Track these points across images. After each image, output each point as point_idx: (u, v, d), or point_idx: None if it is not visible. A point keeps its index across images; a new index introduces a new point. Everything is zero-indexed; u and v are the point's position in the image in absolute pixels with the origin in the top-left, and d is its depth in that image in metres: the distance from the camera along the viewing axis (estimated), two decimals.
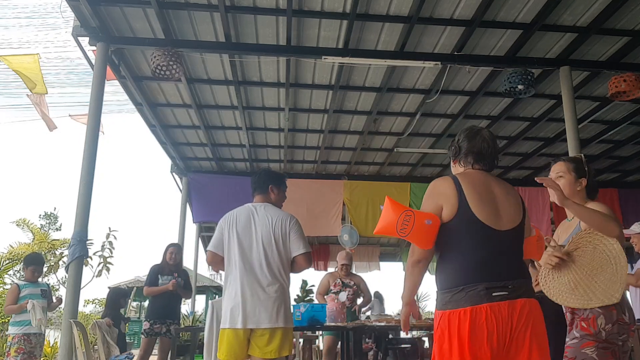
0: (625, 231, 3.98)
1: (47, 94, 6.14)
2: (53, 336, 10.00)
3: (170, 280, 4.90)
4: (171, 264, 5.06)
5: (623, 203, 7.80)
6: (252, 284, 2.70)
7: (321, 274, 8.63)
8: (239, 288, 2.69)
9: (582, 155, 2.51)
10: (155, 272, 5.06)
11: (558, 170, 2.42)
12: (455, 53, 4.65)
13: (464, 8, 4.15)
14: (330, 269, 12.05)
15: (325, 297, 5.11)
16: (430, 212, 1.86)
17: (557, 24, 4.36)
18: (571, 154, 4.56)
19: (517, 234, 1.89)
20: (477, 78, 5.27)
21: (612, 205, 7.70)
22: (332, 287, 5.09)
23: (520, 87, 4.51)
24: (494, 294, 1.72)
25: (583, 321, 2.13)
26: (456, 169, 2.08)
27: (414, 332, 8.35)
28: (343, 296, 4.94)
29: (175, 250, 5.14)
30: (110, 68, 4.58)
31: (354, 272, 5.76)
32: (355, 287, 5.14)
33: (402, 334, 6.74)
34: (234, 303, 2.68)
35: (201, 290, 16.20)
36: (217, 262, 2.88)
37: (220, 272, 12.42)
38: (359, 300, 5.25)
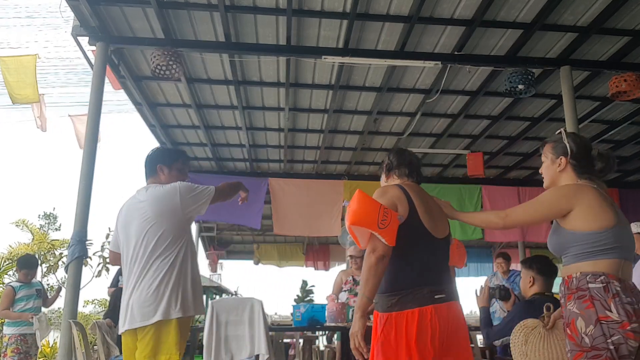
0: None
1: (37, 101, 6.15)
2: (53, 336, 9.99)
3: None
4: None
5: (624, 203, 7.79)
6: (134, 280, 2.39)
7: (321, 274, 8.63)
8: (126, 288, 2.42)
9: (563, 129, 2.12)
10: (118, 273, 5.04)
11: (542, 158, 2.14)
12: (456, 53, 4.64)
13: (464, 8, 4.14)
14: (333, 268, 12.04)
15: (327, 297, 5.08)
16: (394, 211, 1.90)
17: (557, 24, 4.35)
18: None
19: (447, 243, 2.07)
20: (478, 78, 5.26)
21: None
22: (343, 286, 4.98)
23: (520, 87, 4.50)
24: (436, 297, 1.85)
25: (567, 328, 1.82)
26: (391, 181, 2.22)
27: None
28: (343, 296, 4.92)
29: None
30: (109, 68, 4.58)
31: None
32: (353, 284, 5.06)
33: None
34: (123, 304, 2.42)
35: None
36: (116, 259, 2.57)
37: (215, 271, 12.36)
38: (342, 296, 5.15)
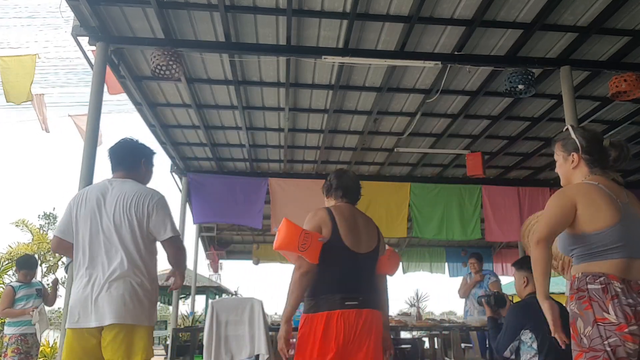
0: None
1: (30, 100, 6.15)
2: (53, 336, 9.99)
3: None
4: None
5: None
6: (100, 276, 2.27)
7: None
8: (89, 281, 2.28)
9: (570, 125, 2.08)
10: None
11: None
12: (456, 53, 4.64)
13: (464, 8, 4.14)
14: None
15: None
16: (317, 232, 2.30)
17: (557, 24, 4.35)
18: None
19: (372, 256, 2.42)
20: (478, 78, 5.26)
21: None
22: None
23: (520, 87, 4.50)
24: (346, 303, 2.22)
25: (571, 327, 1.83)
26: (329, 202, 2.62)
27: (414, 332, 8.34)
28: None
29: None
30: (109, 68, 4.58)
31: None
32: None
33: (402, 334, 6.73)
34: (82, 297, 2.26)
35: (201, 290, 16.18)
36: (64, 248, 2.41)
37: (215, 271, 12.34)
38: None
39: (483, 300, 3.58)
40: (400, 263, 13.44)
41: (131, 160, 2.53)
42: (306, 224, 2.38)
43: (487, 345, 5.41)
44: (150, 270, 2.40)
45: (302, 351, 2.20)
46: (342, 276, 2.30)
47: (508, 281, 12.53)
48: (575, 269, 1.88)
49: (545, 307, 1.81)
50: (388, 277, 2.66)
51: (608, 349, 1.66)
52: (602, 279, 1.74)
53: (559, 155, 2.07)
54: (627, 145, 2.01)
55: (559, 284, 14.66)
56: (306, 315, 2.28)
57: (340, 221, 2.37)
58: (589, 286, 1.77)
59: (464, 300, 6.30)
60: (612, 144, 1.98)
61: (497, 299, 3.50)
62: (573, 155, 1.99)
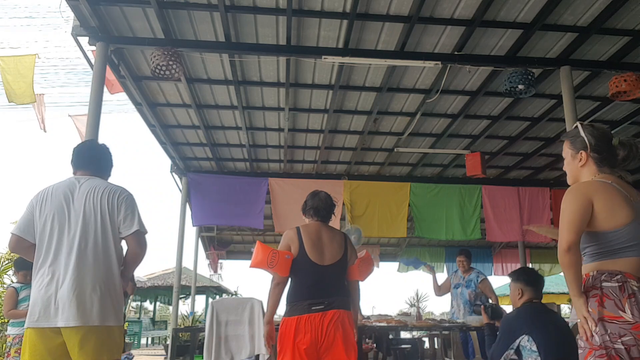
0: None
1: (34, 102, 6.16)
2: None
3: None
4: None
5: None
6: (65, 273, 2.23)
7: None
8: (52, 278, 2.22)
9: (579, 122, 2.06)
10: None
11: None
12: (456, 53, 4.64)
13: (464, 8, 4.14)
14: None
15: None
16: (285, 251, 2.82)
17: (557, 24, 4.36)
18: None
19: (337, 267, 2.85)
20: (478, 78, 5.26)
21: None
22: None
23: (520, 87, 4.50)
24: (312, 308, 2.71)
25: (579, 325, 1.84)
26: (304, 220, 3.06)
27: (414, 332, 8.34)
28: None
29: None
30: (109, 68, 4.58)
31: None
32: None
33: (402, 334, 6.72)
34: (45, 296, 2.20)
35: (201, 290, 16.20)
36: (23, 248, 2.34)
37: (215, 272, 12.30)
38: None
39: (482, 308, 3.72)
40: (399, 263, 13.45)
41: (104, 164, 2.58)
42: (282, 241, 2.91)
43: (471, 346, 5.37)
44: (114, 269, 2.35)
45: (280, 348, 2.73)
46: (309, 286, 2.79)
47: (507, 282, 12.53)
48: (588, 267, 1.84)
49: (581, 302, 1.76)
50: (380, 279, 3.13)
51: (622, 347, 1.63)
52: (619, 277, 1.72)
53: (567, 153, 2.05)
54: (636, 144, 1.98)
55: (559, 284, 14.68)
56: (283, 319, 2.81)
57: (306, 239, 2.86)
58: (604, 284, 1.75)
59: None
60: (622, 142, 1.96)
61: (493, 311, 3.60)
62: (581, 153, 1.98)
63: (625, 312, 1.66)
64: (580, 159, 1.98)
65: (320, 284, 2.79)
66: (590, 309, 1.75)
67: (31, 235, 2.32)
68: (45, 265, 2.27)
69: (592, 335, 1.71)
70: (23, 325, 4.48)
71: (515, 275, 3.09)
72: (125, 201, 2.40)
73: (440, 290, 6.08)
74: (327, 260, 2.84)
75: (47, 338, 2.18)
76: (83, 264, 2.26)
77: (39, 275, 2.26)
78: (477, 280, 5.68)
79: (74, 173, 2.54)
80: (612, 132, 6.46)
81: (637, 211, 1.81)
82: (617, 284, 1.71)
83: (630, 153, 1.95)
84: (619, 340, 1.64)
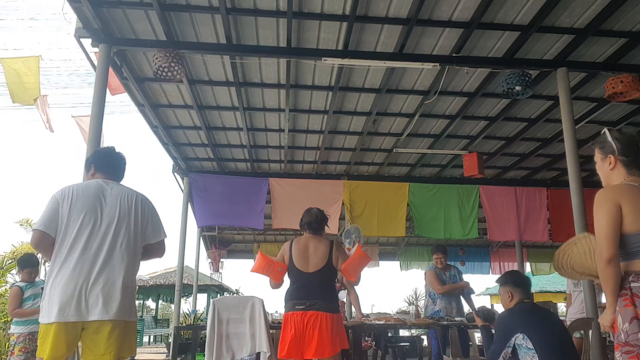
0: None
1: (33, 104, 6.20)
2: None
3: None
4: None
5: None
6: (94, 270, 2.32)
7: None
8: (81, 273, 2.30)
9: (607, 128, 2.15)
10: None
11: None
12: (454, 54, 4.69)
13: (462, 10, 4.19)
14: None
15: None
16: (280, 262, 3.39)
17: (554, 26, 4.40)
18: (568, 154, 4.61)
19: (320, 273, 3.28)
20: (476, 79, 5.31)
21: None
22: None
23: (517, 88, 4.55)
24: (296, 307, 3.22)
25: (614, 323, 1.92)
26: (303, 231, 3.48)
27: (413, 331, 8.40)
28: (342, 295, 4.96)
29: None
30: (112, 69, 4.63)
31: None
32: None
33: (401, 332, 6.76)
34: (75, 291, 2.26)
35: (202, 289, 16.24)
36: (47, 244, 2.35)
37: (216, 270, 12.31)
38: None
39: (474, 313, 3.86)
40: (399, 262, 13.48)
41: (123, 173, 2.72)
42: (279, 253, 3.47)
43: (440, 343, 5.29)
44: (137, 269, 2.54)
45: (282, 338, 3.26)
46: (295, 289, 3.33)
47: None
48: None
49: (611, 315, 1.85)
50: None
51: None
52: None
53: (597, 158, 2.15)
54: None
55: (555, 283, 14.73)
56: (284, 314, 3.35)
57: (295, 250, 3.37)
58: (633, 284, 1.82)
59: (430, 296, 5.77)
60: None
61: (485, 315, 3.72)
62: (610, 157, 2.08)
63: None
64: (610, 162, 2.08)
65: (304, 287, 3.28)
66: (618, 308, 1.83)
67: (54, 231, 2.35)
68: (71, 260, 2.32)
69: (620, 333, 1.79)
70: (28, 324, 4.54)
71: (503, 279, 3.15)
72: (153, 210, 2.61)
73: (448, 291, 5.63)
74: (311, 268, 3.30)
75: (70, 331, 2.25)
76: (114, 261, 2.38)
77: (65, 269, 2.30)
78: (460, 275, 5.64)
79: (93, 175, 2.63)
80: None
81: None
82: None
83: None
84: None
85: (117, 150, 2.77)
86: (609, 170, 2.09)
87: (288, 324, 3.22)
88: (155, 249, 2.62)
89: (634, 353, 1.74)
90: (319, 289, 3.25)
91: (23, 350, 4.44)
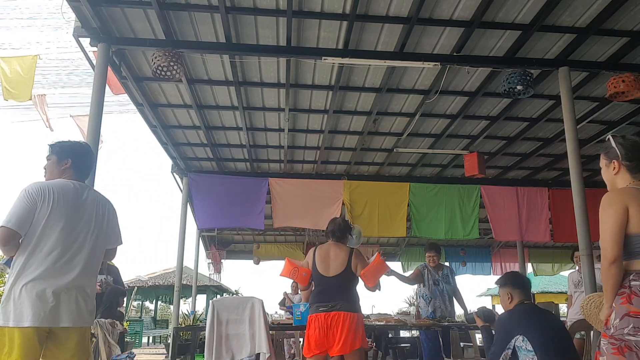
0: None
1: (29, 99, 6.19)
2: None
3: (99, 279, 4.88)
4: None
5: None
6: (76, 276, 2.34)
7: None
8: (57, 279, 2.28)
9: (610, 134, 2.25)
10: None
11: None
12: (455, 54, 4.67)
13: (463, 9, 4.17)
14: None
15: None
16: (305, 267, 3.69)
17: (556, 25, 4.38)
18: (570, 154, 4.58)
19: (340, 277, 3.54)
20: (476, 78, 5.29)
21: None
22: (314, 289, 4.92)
23: (519, 87, 4.52)
24: (319, 309, 3.48)
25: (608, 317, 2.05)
26: (327, 239, 3.78)
27: (414, 332, 8.37)
28: None
29: None
30: (111, 69, 4.60)
31: None
32: None
33: (402, 333, 6.73)
34: (51, 296, 2.25)
35: (201, 289, 16.23)
36: (15, 244, 2.26)
37: (216, 271, 12.31)
38: None
39: (474, 314, 3.89)
40: (400, 263, 13.46)
41: (91, 172, 2.75)
42: (304, 260, 3.81)
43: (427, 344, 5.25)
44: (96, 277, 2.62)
45: (307, 338, 3.51)
46: (318, 292, 3.60)
47: None
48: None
49: (607, 312, 1.96)
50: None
51: (632, 338, 1.82)
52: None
53: (602, 163, 2.23)
54: None
55: (556, 284, 14.71)
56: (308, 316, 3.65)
57: (318, 256, 3.66)
58: (632, 282, 1.91)
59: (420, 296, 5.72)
60: None
61: (485, 315, 3.70)
62: (614, 162, 2.16)
63: None
64: (614, 167, 2.15)
65: (326, 291, 3.54)
66: (614, 305, 1.93)
67: (25, 231, 2.28)
68: (46, 265, 2.29)
69: (610, 326, 1.91)
70: None
71: (502, 281, 3.14)
72: (116, 216, 2.65)
73: (414, 279, 5.69)
74: (331, 272, 3.56)
75: (41, 336, 2.25)
76: (86, 269, 2.42)
77: (40, 274, 2.26)
78: (452, 275, 5.61)
79: (65, 170, 2.52)
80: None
81: None
82: (638, 283, 1.87)
83: None
84: (636, 334, 1.81)
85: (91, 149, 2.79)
86: (614, 174, 2.16)
87: (312, 324, 3.48)
88: (109, 254, 2.68)
89: (616, 346, 1.87)
90: (340, 291, 3.52)
91: None
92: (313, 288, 3.72)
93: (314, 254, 3.69)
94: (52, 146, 2.58)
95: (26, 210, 2.28)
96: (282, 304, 9.37)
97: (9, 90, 5.94)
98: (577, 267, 5.91)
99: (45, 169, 2.57)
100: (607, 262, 1.92)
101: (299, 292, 8.26)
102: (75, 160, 2.55)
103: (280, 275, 3.75)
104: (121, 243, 2.68)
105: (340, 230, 3.73)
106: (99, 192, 2.64)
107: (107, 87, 4.40)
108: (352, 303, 3.52)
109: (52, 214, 2.33)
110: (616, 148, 2.15)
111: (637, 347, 1.83)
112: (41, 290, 2.24)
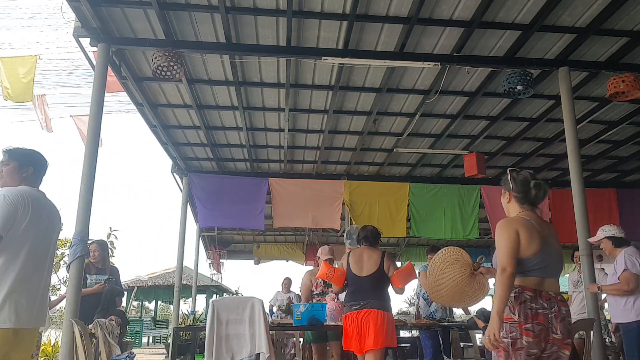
0: (591, 239, 4.20)
1: (30, 100, 6.19)
2: (54, 335, 10.02)
3: (102, 280, 4.86)
4: (94, 262, 4.94)
5: (621, 203, 7.82)
6: (45, 281, 2.53)
7: None
8: (37, 284, 2.44)
9: (508, 169, 2.54)
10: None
11: None
12: (455, 54, 4.67)
13: (463, 9, 4.17)
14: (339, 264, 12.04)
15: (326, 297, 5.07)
16: (340, 269, 3.96)
17: (556, 25, 4.38)
18: (570, 154, 4.57)
19: (372, 277, 3.80)
20: (476, 78, 5.29)
21: (610, 204, 7.72)
22: (314, 289, 4.90)
23: (519, 87, 4.52)
24: (352, 308, 3.72)
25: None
26: (360, 245, 4.08)
27: (414, 331, 8.36)
28: (343, 297, 4.93)
29: (98, 248, 4.99)
30: (111, 69, 4.60)
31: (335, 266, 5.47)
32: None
33: (402, 333, 6.71)
34: (35, 299, 2.41)
35: (201, 289, 16.23)
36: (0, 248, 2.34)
37: (218, 272, 12.32)
38: (342, 296, 5.05)
39: (474, 317, 4.07)
40: (399, 262, 13.51)
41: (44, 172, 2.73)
42: (339, 262, 4.13)
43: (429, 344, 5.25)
44: None
45: (345, 335, 3.77)
46: (352, 291, 3.85)
47: None
48: None
49: (495, 322, 2.16)
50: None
51: (509, 340, 2.16)
52: (517, 289, 2.23)
53: (502, 192, 2.56)
54: (546, 185, 2.46)
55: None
56: (343, 315, 3.87)
57: (352, 258, 3.94)
58: (510, 295, 2.25)
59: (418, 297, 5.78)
60: (536, 184, 2.42)
61: (485, 316, 3.84)
62: (507, 193, 2.49)
63: (514, 315, 2.18)
64: (507, 198, 2.50)
65: (359, 290, 3.78)
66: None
67: (5, 234, 2.34)
68: (27, 270, 2.40)
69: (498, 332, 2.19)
70: None
71: None
72: (61, 222, 2.72)
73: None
74: (364, 273, 3.82)
75: (16, 337, 2.34)
76: (49, 270, 2.59)
77: (23, 278, 2.37)
78: None
79: (25, 178, 2.57)
80: (610, 132, 6.51)
81: (545, 242, 2.29)
82: (514, 295, 2.22)
83: (539, 193, 2.41)
84: (510, 336, 2.16)
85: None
86: (507, 203, 2.51)
87: (346, 323, 3.75)
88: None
89: (499, 347, 2.16)
90: (372, 290, 3.75)
91: None
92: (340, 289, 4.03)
93: (348, 256, 3.99)
94: (10, 152, 2.61)
95: (8, 216, 2.35)
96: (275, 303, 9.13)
97: (10, 91, 5.94)
98: (577, 267, 5.90)
99: (1, 173, 2.58)
100: (505, 275, 2.19)
101: (290, 291, 8.49)
102: (37, 169, 2.64)
103: (317, 277, 4.16)
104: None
105: (372, 236, 4.05)
106: (50, 200, 2.70)
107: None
108: (383, 302, 3.73)
109: (30, 221, 2.42)
110: (510, 182, 2.45)
111: (517, 344, 2.14)
112: (27, 294, 2.38)
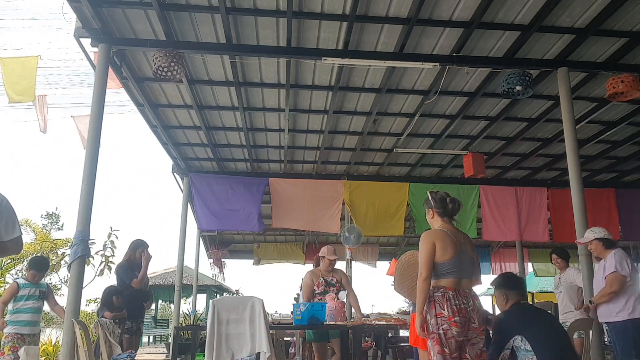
0: (580, 240, 4.26)
1: (33, 100, 6.19)
2: (55, 335, 10.04)
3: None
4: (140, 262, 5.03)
5: (620, 203, 7.83)
6: None
7: None
8: None
9: (428, 192, 3.16)
10: (132, 269, 5.04)
11: None
12: (454, 54, 4.68)
13: (462, 9, 4.18)
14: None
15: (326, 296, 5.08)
16: None
17: (555, 25, 4.39)
18: (569, 154, 4.59)
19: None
20: (476, 79, 5.30)
21: (609, 204, 7.74)
22: (315, 288, 4.87)
23: (518, 88, 4.54)
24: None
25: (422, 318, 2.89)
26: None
27: None
28: (343, 295, 4.95)
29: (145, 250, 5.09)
30: (112, 69, 4.62)
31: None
32: (338, 285, 4.91)
33: (401, 333, 6.75)
34: None
35: (202, 289, 16.24)
36: None
37: (221, 271, 12.38)
38: (342, 295, 5.06)
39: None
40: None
41: None
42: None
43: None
44: None
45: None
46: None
47: None
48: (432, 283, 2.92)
49: (419, 318, 2.80)
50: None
51: (441, 332, 2.73)
52: (442, 289, 2.83)
53: (426, 211, 3.15)
54: (459, 200, 3.10)
55: (549, 284, 14.71)
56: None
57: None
58: (435, 294, 2.83)
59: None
60: (452, 200, 3.06)
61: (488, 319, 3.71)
62: (430, 210, 3.10)
63: (444, 310, 2.75)
64: (431, 214, 3.10)
65: None
66: (426, 309, 2.81)
67: None
68: None
69: (429, 325, 2.79)
70: (15, 324, 4.52)
71: (496, 282, 3.18)
72: (8, 206, 2.37)
73: None
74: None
75: None
76: None
77: None
78: None
79: None
80: (609, 132, 6.53)
81: (459, 250, 2.89)
82: (440, 294, 2.81)
83: (454, 206, 3.05)
84: (442, 327, 2.73)
85: None
86: (431, 219, 3.11)
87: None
88: (10, 247, 2.41)
89: (434, 337, 2.74)
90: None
91: (12, 349, 4.43)
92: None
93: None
94: None
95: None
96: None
97: (11, 92, 5.95)
98: (556, 268, 5.81)
99: None
100: (422, 279, 2.82)
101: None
102: None
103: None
104: (18, 234, 2.40)
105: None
106: None
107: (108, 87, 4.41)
108: None
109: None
110: (431, 200, 3.07)
111: (447, 334, 2.72)
112: None
